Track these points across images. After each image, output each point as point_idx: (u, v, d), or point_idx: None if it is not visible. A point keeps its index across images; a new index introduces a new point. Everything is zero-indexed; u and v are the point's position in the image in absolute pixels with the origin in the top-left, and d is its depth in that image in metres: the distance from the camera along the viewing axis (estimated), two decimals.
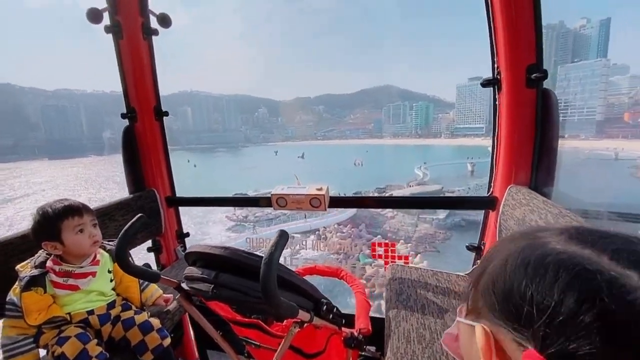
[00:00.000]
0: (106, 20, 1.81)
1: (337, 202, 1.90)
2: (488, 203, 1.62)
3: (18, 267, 1.21)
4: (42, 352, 1.23)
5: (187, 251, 0.98)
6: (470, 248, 1.76)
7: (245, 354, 1.23)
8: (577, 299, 0.28)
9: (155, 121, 2.05)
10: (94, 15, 1.71)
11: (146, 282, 1.48)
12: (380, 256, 1.92)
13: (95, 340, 1.20)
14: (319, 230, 25.35)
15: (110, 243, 1.39)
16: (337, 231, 25.25)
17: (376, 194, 38.94)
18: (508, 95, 1.45)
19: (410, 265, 1.80)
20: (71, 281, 1.23)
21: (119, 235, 0.98)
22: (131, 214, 1.91)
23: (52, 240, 1.21)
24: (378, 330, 1.31)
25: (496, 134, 1.57)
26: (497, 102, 1.53)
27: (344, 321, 1.11)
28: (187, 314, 2.01)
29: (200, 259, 0.94)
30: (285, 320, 1.24)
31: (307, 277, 1.54)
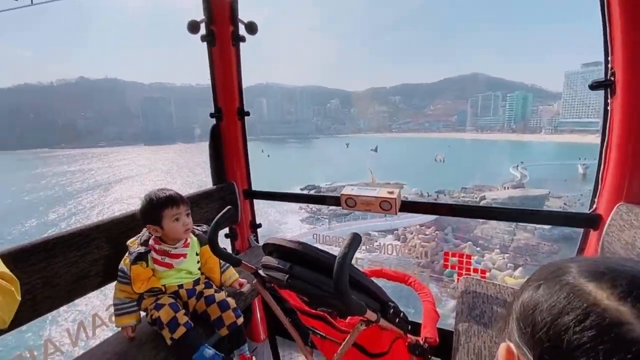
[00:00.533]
0: (202, 30, 2.10)
1: (410, 207, 1.89)
2: (590, 221, 1.46)
3: (128, 242, 1.53)
4: (142, 314, 1.54)
5: (265, 242, 1.11)
6: None
7: (309, 344, 1.35)
8: (582, 331, 0.33)
9: (237, 120, 2.32)
10: (193, 27, 2.00)
11: (226, 265, 1.72)
12: (453, 267, 1.87)
13: (183, 311, 1.46)
14: (397, 230, 24.82)
15: (198, 228, 1.66)
16: (419, 232, 24.28)
17: (462, 195, 36.21)
18: (623, 99, 1.27)
19: (487, 280, 1.72)
20: (167, 259, 1.51)
21: (212, 225, 1.18)
22: (214, 203, 2.21)
23: (154, 225, 1.49)
24: (444, 343, 1.31)
25: (606, 142, 1.39)
26: (608, 107, 1.36)
27: (409, 327, 1.14)
28: (256, 299, 2.25)
29: (277, 250, 1.07)
30: (348, 318, 1.33)
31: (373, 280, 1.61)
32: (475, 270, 1.79)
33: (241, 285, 1.74)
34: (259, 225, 2.54)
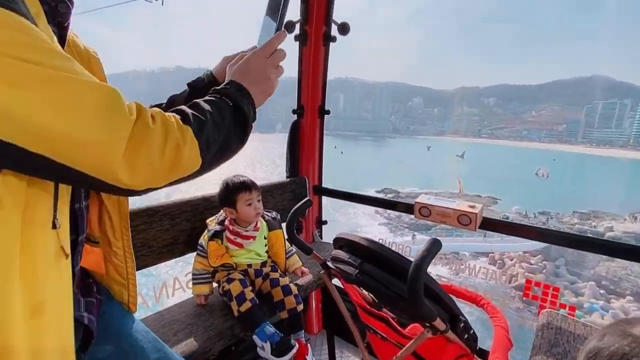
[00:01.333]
0: (296, 29, 2.27)
1: (492, 225, 1.79)
2: None
3: (208, 220, 1.78)
4: (215, 285, 1.77)
5: (337, 236, 1.18)
6: None
7: (365, 343, 1.40)
8: None
9: (317, 118, 2.46)
10: (289, 27, 2.18)
11: (291, 252, 1.88)
12: (535, 297, 1.72)
13: (250, 287, 1.65)
14: (493, 253, 22.53)
15: (268, 214, 1.84)
16: (522, 260, 21.77)
17: (576, 221, 31.58)
18: None
19: (576, 319, 1.56)
20: (239, 240, 1.72)
21: (291, 213, 1.32)
22: (286, 194, 2.40)
23: (230, 207, 1.70)
24: None
25: None
26: None
27: (477, 348, 1.12)
28: (314, 292, 2.38)
29: (348, 245, 1.13)
30: (410, 325, 1.36)
31: None
32: (563, 306, 1.62)
33: (303, 273, 1.89)
34: (325, 222, 2.66)
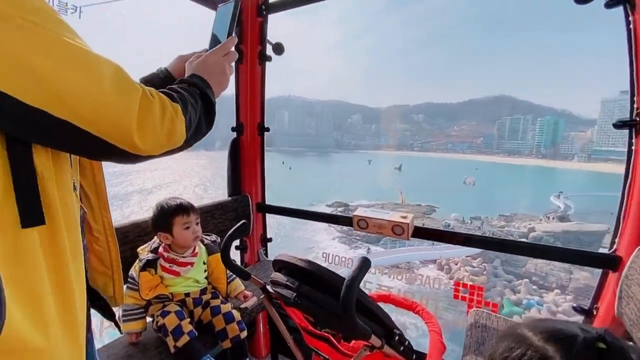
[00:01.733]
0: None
1: (423, 233, 1.90)
2: (609, 262, 1.42)
3: (139, 249, 1.61)
4: (149, 319, 1.60)
5: (275, 258, 1.15)
6: (578, 310, 1.56)
7: None
8: None
9: (257, 136, 2.42)
10: None
11: (232, 276, 1.77)
12: (463, 298, 1.84)
13: (188, 319, 1.51)
14: (440, 259, 23.37)
15: (207, 237, 1.73)
16: (465, 264, 22.95)
17: (503, 224, 34.65)
18: None
19: (498, 315, 1.69)
20: (175, 267, 1.58)
21: (225, 237, 1.24)
22: (227, 214, 2.29)
23: (165, 232, 1.56)
24: None
25: (629, 181, 1.37)
26: (633, 147, 1.35)
27: (414, 357, 1.14)
28: (260, 314, 2.28)
29: (286, 267, 1.11)
30: (352, 342, 1.34)
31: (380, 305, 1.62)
32: (487, 304, 1.76)
33: (246, 297, 1.79)
34: (270, 240, 2.59)
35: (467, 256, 23.32)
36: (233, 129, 2.43)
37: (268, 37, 2.25)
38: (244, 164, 2.45)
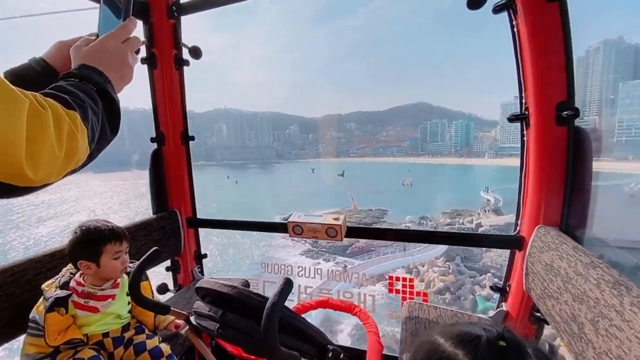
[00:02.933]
0: (143, 52, 2.03)
1: (355, 233, 1.90)
2: (514, 243, 1.55)
3: (44, 286, 1.32)
4: None
5: (197, 285, 1.02)
6: (494, 289, 1.68)
7: None
8: None
9: (181, 145, 2.22)
10: None
11: None
12: (397, 291, 1.87)
13: None
14: (408, 264, 23.52)
15: (131, 265, 1.49)
16: (432, 265, 23.46)
17: (449, 220, 36.19)
18: (537, 132, 1.41)
19: (429, 303, 1.74)
20: (92, 303, 1.31)
21: (134, 270, 1.06)
22: (154, 234, 2.05)
23: (89, 260, 1.29)
24: None
25: (524, 170, 1.52)
26: (525, 138, 1.49)
27: None
28: None
29: (210, 294, 0.99)
30: None
31: (320, 310, 1.56)
32: (419, 294, 1.81)
33: (177, 327, 1.57)
34: (204, 256, 2.39)
35: (435, 258, 24.04)
36: (153, 140, 2.19)
37: (185, 42, 2.09)
38: (170, 176, 2.23)
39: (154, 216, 2.14)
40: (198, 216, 2.34)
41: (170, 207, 2.25)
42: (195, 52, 2.05)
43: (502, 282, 1.67)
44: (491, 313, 1.67)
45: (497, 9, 1.44)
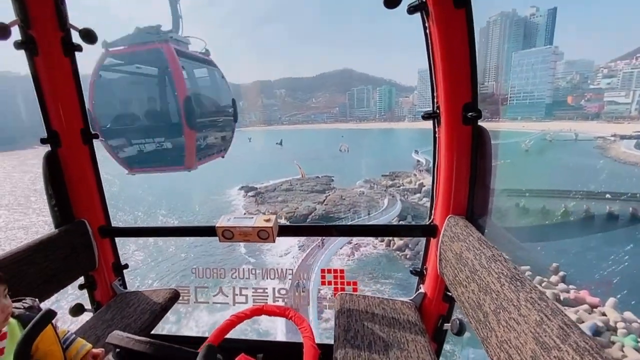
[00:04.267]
0: (16, 35, 1.58)
1: (287, 231, 1.87)
2: (429, 231, 1.69)
3: None
4: None
5: (107, 340, 0.90)
6: (413, 272, 1.84)
7: None
8: None
9: (83, 145, 1.87)
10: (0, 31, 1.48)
11: (70, 337, 1.35)
12: (329, 283, 1.93)
13: None
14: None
15: (18, 307, 1.23)
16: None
17: (390, 182, 38.11)
18: (446, 129, 1.49)
19: (358, 293, 1.84)
20: None
21: (20, 339, 0.87)
22: (58, 252, 1.75)
23: None
24: None
25: (436, 164, 1.62)
26: (436, 135, 1.57)
27: None
28: None
29: (120, 349, 0.87)
30: None
31: (255, 318, 1.53)
32: (348, 283, 1.88)
33: (96, 357, 1.40)
34: (125, 267, 2.14)
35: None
36: (44, 141, 1.80)
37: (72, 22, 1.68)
38: (72, 182, 1.88)
39: (56, 231, 1.82)
40: (114, 224, 2.05)
41: (77, 217, 1.92)
42: (88, 35, 1.67)
43: (419, 266, 1.83)
44: (406, 298, 1.82)
45: (411, 9, 1.43)
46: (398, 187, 38.00)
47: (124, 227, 2.06)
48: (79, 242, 1.88)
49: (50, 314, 0.91)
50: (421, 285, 1.80)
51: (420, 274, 1.80)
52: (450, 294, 1.58)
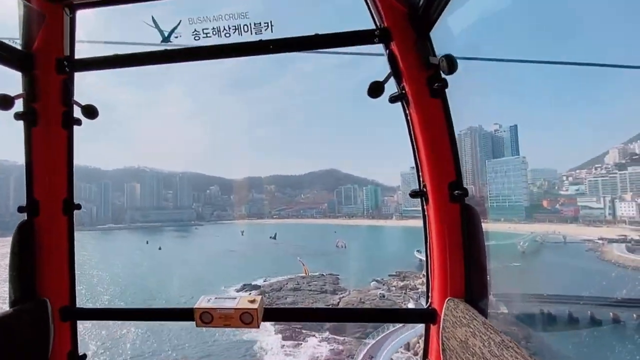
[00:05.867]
0: (19, 107, 1.69)
1: (273, 315, 1.68)
2: (428, 316, 1.54)
3: None
4: None
5: None
6: None
7: None
8: None
9: (63, 215, 1.79)
10: (3, 102, 1.58)
11: None
12: None
13: None
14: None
15: None
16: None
17: (401, 284, 35.87)
18: (434, 208, 1.51)
19: None
20: None
21: None
22: (8, 334, 1.49)
23: None
24: None
25: (428, 245, 1.58)
26: (425, 213, 1.59)
27: None
28: None
29: None
30: None
31: None
32: None
33: None
34: (83, 357, 1.81)
35: None
36: (21, 209, 1.73)
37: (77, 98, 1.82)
38: (41, 255, 1.73)
39: (10, 310, 1.59)
40: (78, 305, 1.82)
41: (39, 295, 1.71)
42: (90, 111, 1.79)
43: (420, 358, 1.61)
44: None
45: (392, 99, 1.61)
46: (411, 288, 35.60)
47: (89, 309, 1.83)
48: (35, 325, 1.63)
49: None
50: None
51: None
52: None
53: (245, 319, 1.52)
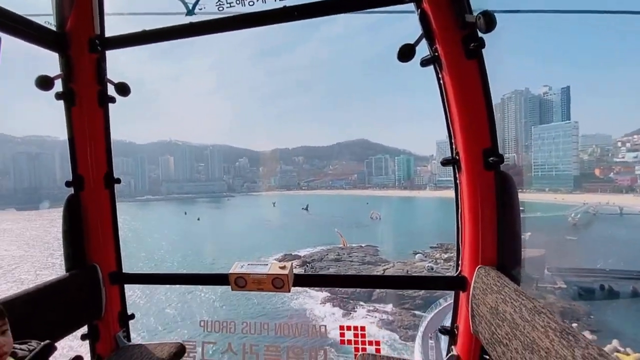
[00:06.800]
0: (58, 87, 1.80)
1: (303, 281, 1.78)
2: (458, 283, 1.55)
3: None
4: None
5: None
6: (442, 331, 1.64)
7: None
8: None
9: (104, 189, 1.96)
10: (43, 83, 1.70)
11: None
12: (349, 342, 1.74)
13: None
14: None
15: (20, 348, 1.16)
16: None
17: (445, 256, 34.59)
18: (467, 176, 1.47)
19: (382, 354, 1.64)
20: None
21: None
22: (66, 295, 1.71)
23: None
24: None
25: (460, 212, 1.56)
26: (458, 181, 1.55)
27: None
28: None
29: None
30: None
31: None
32: (370, 343, 1.69)
33: None
34: (132, 317, 2.05)
35: None
36: (69, 184, 1.90)
37: (110, 77, 1.91)
38: (88, 226, 1.92)
39: (67, 274, 1.81)
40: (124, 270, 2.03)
41: (89, 261, 1.92)
42: (123, 89, 1.88)
43: (449, 324, 1.65)
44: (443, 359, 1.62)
45: (424, 63, 1.54)
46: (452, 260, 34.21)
47: (135, 273, 2.03)
48: (89, 287, 1.85)
49: (50, 348, 0.85)
50: (453, 347, 1.59)
51: (450, 334, 1.60)
52: (488, 356, 1.38)
53: (277, 283, 1.63)
